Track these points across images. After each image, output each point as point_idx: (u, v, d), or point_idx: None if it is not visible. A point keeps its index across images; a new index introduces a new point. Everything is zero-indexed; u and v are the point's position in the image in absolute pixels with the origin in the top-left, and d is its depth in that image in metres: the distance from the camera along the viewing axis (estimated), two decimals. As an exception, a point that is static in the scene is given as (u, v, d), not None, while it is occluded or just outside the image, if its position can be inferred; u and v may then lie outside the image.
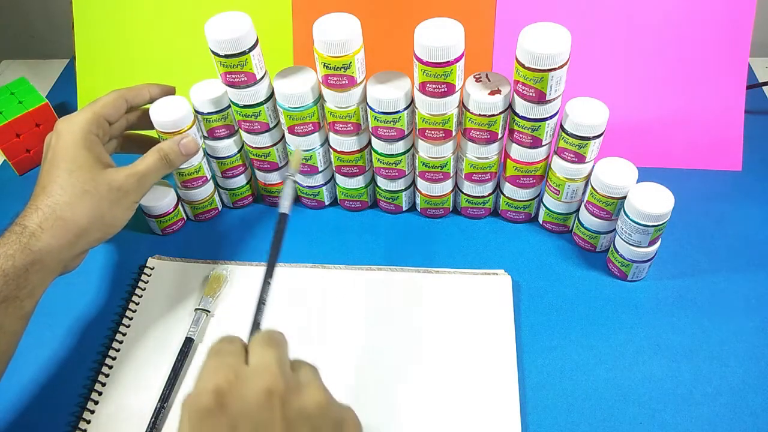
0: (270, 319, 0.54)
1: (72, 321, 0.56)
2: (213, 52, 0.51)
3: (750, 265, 0.57)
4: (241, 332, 0.54)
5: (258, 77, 0.53)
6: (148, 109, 0.58)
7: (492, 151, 0.56)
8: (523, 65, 0.48)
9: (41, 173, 0.50)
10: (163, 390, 0.50)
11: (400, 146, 0.56)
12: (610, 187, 0.52)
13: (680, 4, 0.64)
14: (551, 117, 0.52)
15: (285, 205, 0.45)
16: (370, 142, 0.58)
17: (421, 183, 0.60)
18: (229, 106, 0.57)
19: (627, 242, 0.53)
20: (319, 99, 0.55)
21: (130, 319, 0.55)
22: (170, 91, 0.58)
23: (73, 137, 0.50)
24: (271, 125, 0.57)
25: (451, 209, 0.63)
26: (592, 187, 0.54)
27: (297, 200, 0.65)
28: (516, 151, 0.55)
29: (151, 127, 0.56)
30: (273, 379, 0.34)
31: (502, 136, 0.55)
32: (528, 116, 0.51)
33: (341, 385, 0.49)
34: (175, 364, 0.51)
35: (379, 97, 0.52)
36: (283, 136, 0.59)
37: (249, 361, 0.36)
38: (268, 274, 0.42)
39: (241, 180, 0.63)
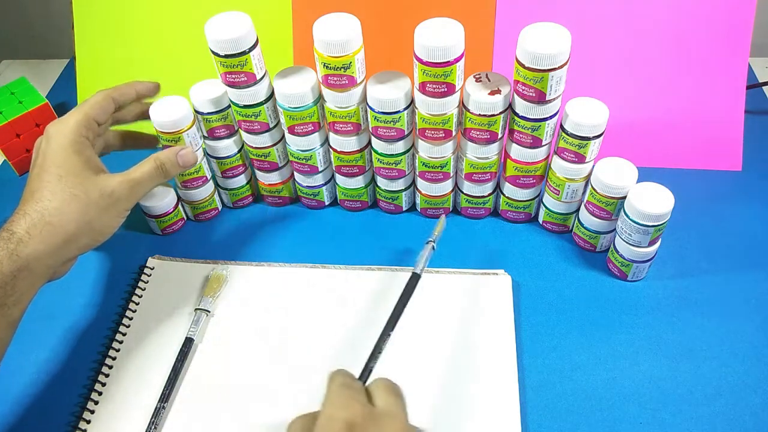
0: (270, 319, 0.55)
1: (72, 321, 0.56)
2: (213, 52, 0.51)
3: (750, 265, 0.57)
4: (242, 333, 0.54)
5: (258, 77, 0.53)
6: (140, 111, 0.58)
7: (492, 151, 0.56)
8: (523, 65, 0.48)
9: (31, 178, 0.49)
10: (163, 390, 0.50)
11: (400, 146, 0.56)
12: (610, 187, 0.52)
13: (680, 4, 0.64)
14: (551, 117, 0.52)
15: (419, 266, 0.49)
16: (370, 142, 0.58)
17: (421, 183, 0.60)
18: (229, 106, 0.57)
19: (627, 242, 0.53)
20: (319, 99, 0.55)
21: (130, 319, 0.55)
22: (156, 88, 0.58)
23: (63, 141, 0.50)
24: (271, 125, 0.57)
25: (451, 209, 0.63)
26: (592, 187, 0.54)
27: (297, 200, 0.65)
28: (516, 151, 0.55)
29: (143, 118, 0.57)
30: (402, 427, 0.37)
31: (502, 136, 0.55)
32: (528, 116, 0.51)
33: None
34: (175, 364, 0.51)
35: (379, 97, 0.52)
36: (283, 136, 0.59)
37: (376, 404, 0.38)
38: (390, 327, 0.45)
39: (241, 180, 0.63)
